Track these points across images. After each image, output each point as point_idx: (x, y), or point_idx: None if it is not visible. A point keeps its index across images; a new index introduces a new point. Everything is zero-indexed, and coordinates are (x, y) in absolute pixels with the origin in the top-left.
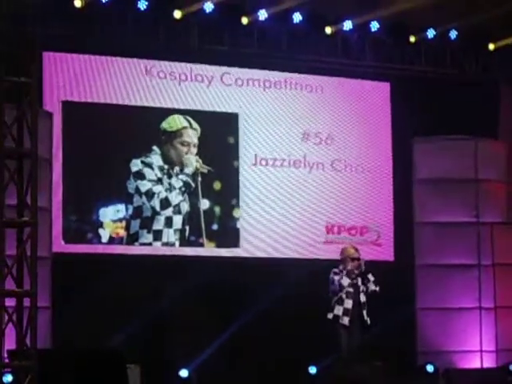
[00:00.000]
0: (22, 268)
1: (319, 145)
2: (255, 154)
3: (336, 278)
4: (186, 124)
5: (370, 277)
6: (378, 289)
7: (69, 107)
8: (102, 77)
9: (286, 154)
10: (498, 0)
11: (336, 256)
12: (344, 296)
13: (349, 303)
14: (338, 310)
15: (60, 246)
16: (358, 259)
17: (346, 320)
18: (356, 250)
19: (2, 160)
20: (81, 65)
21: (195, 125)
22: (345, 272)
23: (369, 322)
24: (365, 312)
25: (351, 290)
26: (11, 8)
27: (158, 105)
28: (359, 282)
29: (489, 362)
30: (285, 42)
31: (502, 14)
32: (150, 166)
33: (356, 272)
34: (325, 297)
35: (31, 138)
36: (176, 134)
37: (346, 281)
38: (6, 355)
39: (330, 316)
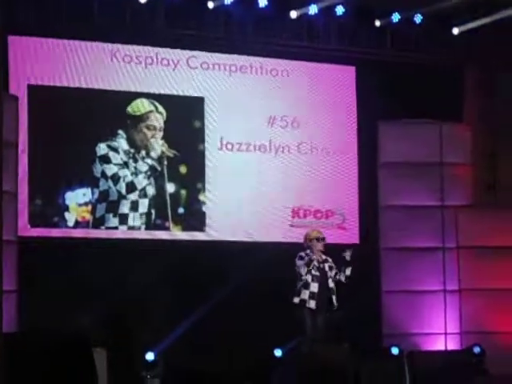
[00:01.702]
0: None
1: (285, 128)
2: (221, 138)
3: (301, 262)
4: (151, 108)
5: (348, 271)
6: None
7: (34, 91)
8: (67, 61)
9: (252, 138)
10: None
11: (302, 239)
12: (310, 280)
13: (315, 287)
14: (305, 294)
15: (26, 229)
16: (323, 239)
17: (312, 304)
18: (319, 231)
19: None
20: (46, 49)
21: (161, 109)
22: (311, 256)
23: (336, 306)
24: (334, 297)
25: (317, 273)
26: None
27: (123, 89)
28: (326, 267)
29: (453, 344)
30: (250, 26)
31: None
32: (115, 149)
33: (323, 257)
34: (290, 280)
35: None
36: (142, 117)
37: (311, 265)
38: None
39: (296, 300)
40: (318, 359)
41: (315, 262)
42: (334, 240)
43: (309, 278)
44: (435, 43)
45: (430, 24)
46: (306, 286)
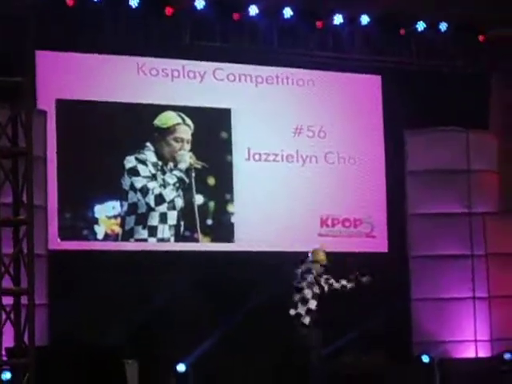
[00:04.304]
0: (19, 266)
1: (312, 138)
2: (248, 149)
3: (303, 275)
4: (179, 120)
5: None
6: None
7: (62, 105)
8: (95, 75)
9: (279, 148)
10: None
11: (331, 248)
12: (310, 296)
13: (313, 304)
14: (302, 309)
15: (56, 243)
16: (326, 266)
17: (307, 320)
18: (326, 254)
19: None
20: (74, 63)
21: (188, 121)
22: (313, 273)
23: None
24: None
25: (318, 291)
26: (5, 9)
27: (150, 102)
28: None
29: (483, 352)
30: (276, 37)
31: (491, 5)
32: (143, 162)
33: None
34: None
35: (26, 136)
36: (169, 130)
37: (311, 280)
38: (4, 353)
39: (292, 312)
40: (351, 366)
41: (315, 280)
42: (362, 249)
43: (309, 294)
44: (460, 51)
45: (455, 32)
46: (304, 302)
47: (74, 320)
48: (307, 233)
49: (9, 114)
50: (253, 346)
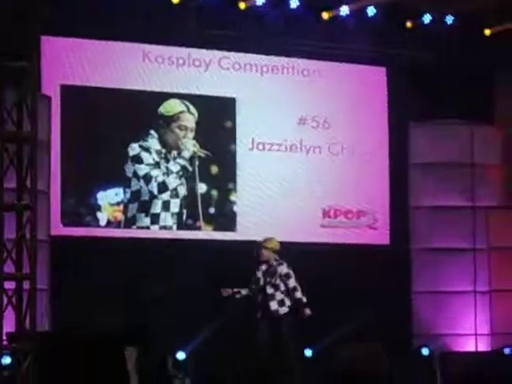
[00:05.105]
0: (22, 251)
1: (316, 128)
2: (252, 138)
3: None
4: (183, 108)
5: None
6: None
7: (67, 91)
8: (99, 61)
9: (283, 138)
10: None
11: (333, 240)
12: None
13: (279, 296)
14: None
15: (58, 228)
16: (278, 252)
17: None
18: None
19: (2, 144)
20: (79, 49)
21: (192, 109)
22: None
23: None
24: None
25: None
26: None
27: (155, 89)
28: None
29: (483, 346)
30: (282, 27)
31: None
32: (147, 149)
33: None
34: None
35: (31, 121)
36: (173, 118)
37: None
38: (4, 338)
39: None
40: (349, 359)
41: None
42: (364, 240)
43: (271, 290)
44: (466, 44)
45: (461, 25)
46: (271, 296)
47: (74, 306)
48: (309, 224)
49: (14, 98)
50: (253, 334)
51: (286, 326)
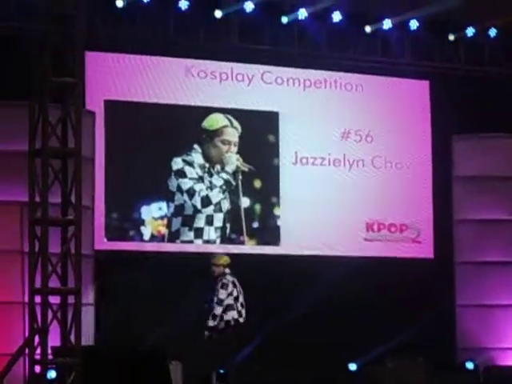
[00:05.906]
0: (67, 266)
1: (359, 142)
2: (295, 153)
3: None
4: (226, 123)
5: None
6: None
7: (111, 106)
8: (143, 76)
9: (326, 152)
10: None
11: (377, 253)
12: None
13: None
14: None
15: (102, 243)
16: (229, 266)
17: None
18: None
19: (47, 159)
20: (123, 64)
21: (236, 123)
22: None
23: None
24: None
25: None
26: (56, 9)
27: (198, 104)
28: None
29: None
30: (324, 41)
31: None
32: (191, 164)
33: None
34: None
35: (75, 137)
36: (217, 132)
37: (223, 294)
38: (50, 352)
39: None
40: (393, 374)
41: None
42: (408, 254)
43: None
44: (510, 57)
45: (504, 38)
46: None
47: (119, 320)
48: (353, 237)
49: (59, 114)
50: (297, 349)
51: None
